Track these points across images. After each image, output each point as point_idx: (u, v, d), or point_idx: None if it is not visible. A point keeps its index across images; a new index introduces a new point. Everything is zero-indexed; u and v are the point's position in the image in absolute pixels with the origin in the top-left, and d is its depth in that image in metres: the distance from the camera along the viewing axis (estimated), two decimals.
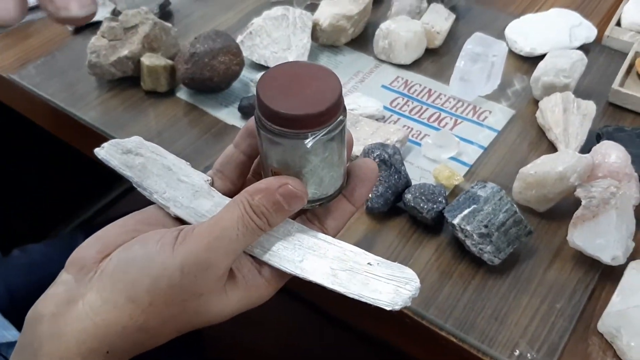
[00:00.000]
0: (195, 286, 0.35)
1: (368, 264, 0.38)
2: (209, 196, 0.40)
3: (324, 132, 0.35)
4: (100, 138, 0.69)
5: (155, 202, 0.40)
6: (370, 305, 0.37)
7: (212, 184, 0.41)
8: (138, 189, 0.41)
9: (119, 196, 1.41)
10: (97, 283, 0.36)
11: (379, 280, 0.37)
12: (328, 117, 0.35)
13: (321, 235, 0.39)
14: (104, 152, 0.41)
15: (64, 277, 0.37)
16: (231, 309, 0.37)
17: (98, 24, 0.77)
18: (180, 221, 0.40)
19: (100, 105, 0.73)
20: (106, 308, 0.35)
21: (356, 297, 0.37)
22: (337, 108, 0.36)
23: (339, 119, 0.36)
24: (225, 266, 0.36)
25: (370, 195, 0.58)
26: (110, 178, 1.36)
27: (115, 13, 0.84)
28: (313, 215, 0.41)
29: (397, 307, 0.36)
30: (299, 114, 0.34)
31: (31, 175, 1.17)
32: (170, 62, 0.73)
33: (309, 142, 0.35)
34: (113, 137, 0.63)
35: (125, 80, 0.75)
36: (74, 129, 0.74)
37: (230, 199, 0.39)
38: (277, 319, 1.10)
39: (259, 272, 0.38)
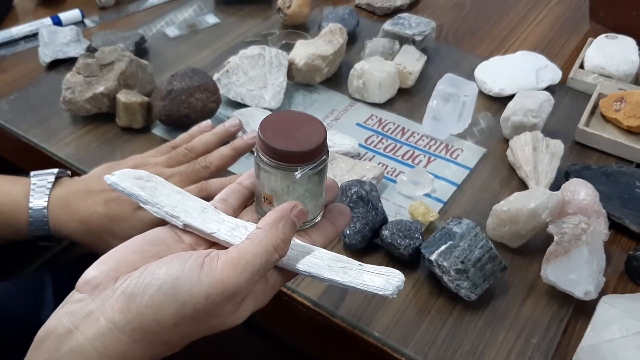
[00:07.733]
0: (216, 311, 0.39)
1: (359, 264, 0.44)
2: (215, 213, 0.45)
3: (310, 167, 0.43)
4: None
5: (164, 215, 0.44)
6: (365, 293, 0.42)
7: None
8: (145, 206, 0.44)
9: None
10: (118, 302, 0.37)
11: (370, 274, 0.42)
12: (314, 155, 0.43)
13: (315, 247, 0.45)
14: (115, 178, 0.45)
15: (76, 296, 0.39)
16: (242, 319, 0.41)
17: (73, 60, 0.77)
18: (187, 234, 0.44)
19: (74, 141, 0.72)
20: (132, 327, 0.37)
21: (352, 285, 0.42)
22: (321, 149, 0.43)
23: (322, 158, 0.44)
24: (245, 294, 0.40)
25: (347, 231, 0.59)
26: None
27: (91, 50, 0.84)
28: (304, 231, 0.47)
29: (388, 293, 0.41)
30: (291, 150, 0.42)
31: None
32: (146, 98, 0.73)
33: (297, 174, 0.43)
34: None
35: (100, 117, 0.74)
36: (46, 166, 0.72)
37: (233, 217, 0.45)
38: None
39: (266, 279, 0.42)
